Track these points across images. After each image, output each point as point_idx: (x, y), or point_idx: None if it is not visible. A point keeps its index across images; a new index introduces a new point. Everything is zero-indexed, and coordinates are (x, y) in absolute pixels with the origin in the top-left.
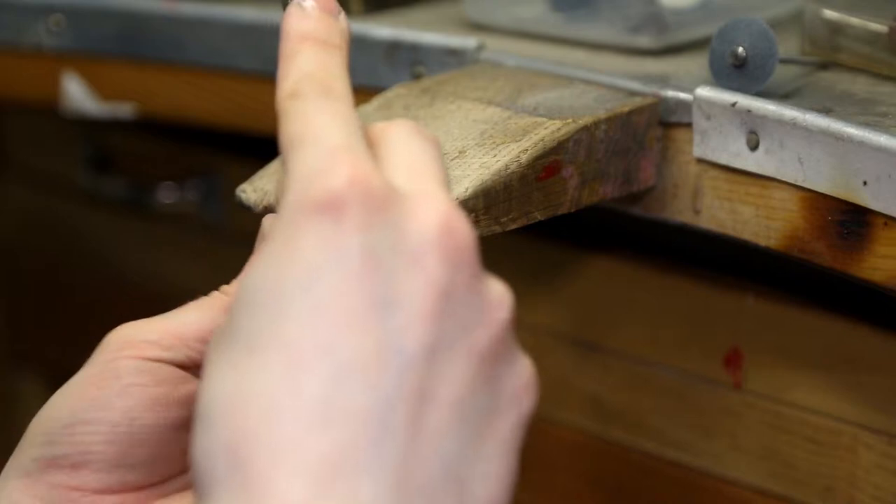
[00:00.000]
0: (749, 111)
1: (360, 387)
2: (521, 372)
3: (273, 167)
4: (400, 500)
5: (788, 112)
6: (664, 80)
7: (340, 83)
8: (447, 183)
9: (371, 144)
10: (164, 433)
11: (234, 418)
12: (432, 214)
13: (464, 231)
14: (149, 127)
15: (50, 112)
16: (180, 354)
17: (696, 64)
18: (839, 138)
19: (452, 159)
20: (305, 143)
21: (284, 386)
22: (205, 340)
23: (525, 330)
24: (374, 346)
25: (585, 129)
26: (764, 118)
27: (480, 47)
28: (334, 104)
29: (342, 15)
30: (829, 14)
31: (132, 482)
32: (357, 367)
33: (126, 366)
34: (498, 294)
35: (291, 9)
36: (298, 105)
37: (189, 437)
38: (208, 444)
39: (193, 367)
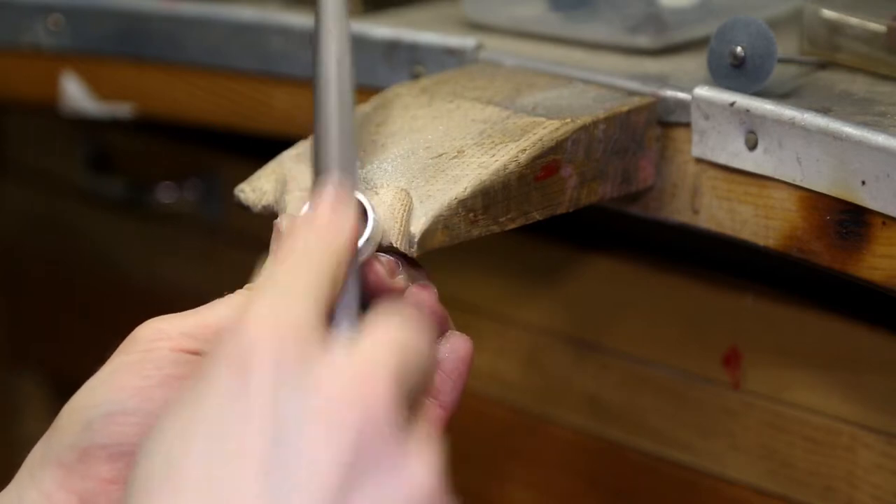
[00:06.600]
0: (748, 111)
1: None
2: None
3: (271, 167)
4: None
5: (787, 112)
6: (663, 80)
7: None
8: (404, 371)
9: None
10: None
11: None
12: (344, 376)
13: (375, 394)
14: (148, 127)
15: (49, 112)
16: None
17: (695, 63)
18: (838, 138)
19: (451, 159)
20: (255, 296)
21: None
22: None
23: (524, 330)
24: None
25: (584, 128)
26: (762, 118)
27: (479, 47)
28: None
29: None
30: (828, 14)
31: None
32: None
33: (165, 357)
34: (417, 455)
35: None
36: (286, 246)
37: None
38: None
39: None
